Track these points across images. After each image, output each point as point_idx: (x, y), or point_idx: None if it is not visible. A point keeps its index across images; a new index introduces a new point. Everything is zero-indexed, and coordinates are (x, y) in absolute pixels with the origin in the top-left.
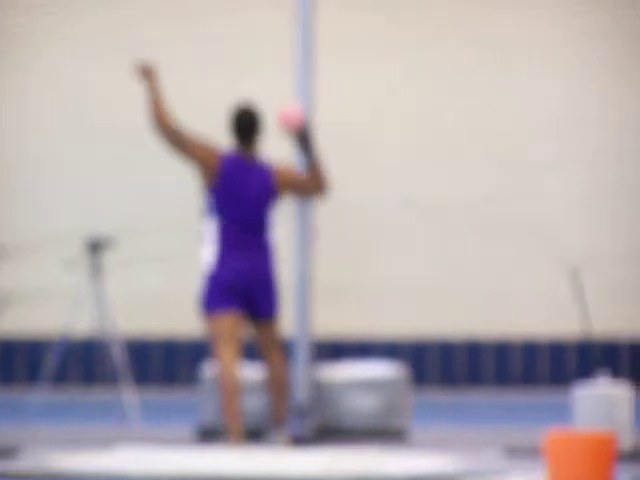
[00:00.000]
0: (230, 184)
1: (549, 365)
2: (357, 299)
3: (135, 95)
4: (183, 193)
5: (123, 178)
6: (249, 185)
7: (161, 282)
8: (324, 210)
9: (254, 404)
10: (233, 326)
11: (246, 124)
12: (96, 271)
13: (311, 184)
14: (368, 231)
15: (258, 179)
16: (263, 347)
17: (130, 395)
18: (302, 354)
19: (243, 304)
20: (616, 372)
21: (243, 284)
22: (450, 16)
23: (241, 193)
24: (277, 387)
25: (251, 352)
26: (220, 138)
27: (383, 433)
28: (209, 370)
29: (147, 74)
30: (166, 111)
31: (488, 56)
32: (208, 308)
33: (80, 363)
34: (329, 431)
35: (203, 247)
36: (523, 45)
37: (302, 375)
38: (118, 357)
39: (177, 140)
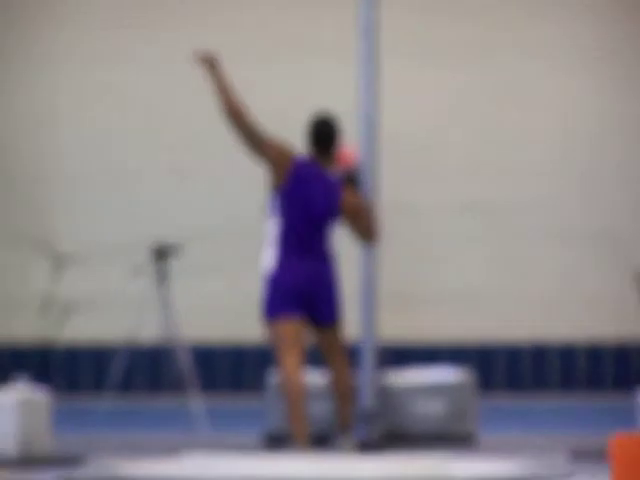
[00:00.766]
0: (299, 188)
1: (614, 369)
2: (423, 304)
3: (201, 102)
4: (248, 200)
5: (188, 186)
6: (318, 193)
7: (227, 288)
8: (389, 215)
9: (319, 410)
10: (296, 332)
11: (324, 135)
12: (162, 278)
13: (362, 224)
14: (433, 236)
15: (327, 190)
16: (326, 353)
17: (197, 402)
18: (368, 360)
19: (305, 310)
20: None
21: (305, 290)
22: (516, 24)
23: (309, 199)
24: (342, 393)
25: (315, 358)
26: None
27: (450, 438)
28: (274, 376)
29: (209, 64)
30: (237, 101)
31: (555, 64)
32: (270, 314)
33: (146, 370)
34: (396, 436)
35: (264, 249)
36: (588, 54)
37: (368, 381)
38: (184, 364)
39: (250, 133)
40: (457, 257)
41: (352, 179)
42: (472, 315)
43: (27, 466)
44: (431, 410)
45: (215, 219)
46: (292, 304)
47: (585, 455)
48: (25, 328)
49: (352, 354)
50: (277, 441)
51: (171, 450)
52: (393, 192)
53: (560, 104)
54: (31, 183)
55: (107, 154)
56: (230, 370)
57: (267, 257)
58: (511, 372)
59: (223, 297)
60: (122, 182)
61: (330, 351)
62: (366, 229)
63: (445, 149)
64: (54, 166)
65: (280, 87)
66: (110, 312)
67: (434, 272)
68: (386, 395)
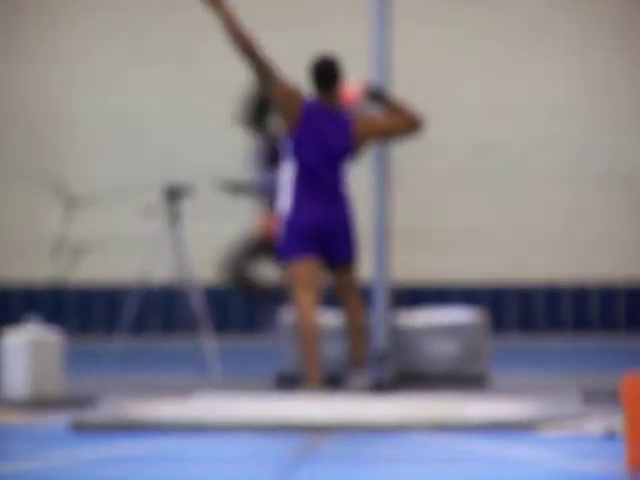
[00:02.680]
0: (311, 131)
1: (627, 309)
2: (435, 245)
3: (214, 45)
4: None
5: (201, 127)
6: (329, 134)
7: (238, 229)
8: (402, 156)
9: (333, 350)
10: (312, 272)
11: (327, 73)
12: (174, 219)
13: (401, 125)
14: (446, 177)
15: (338, 129)
16: (341, 293)
17: (209, 343)
18: (381, 300)
19: (321, 250)
20: None
21: (321, 231)
22: None
23: (321, 139)
24: (355, 332)
25: (329, 298)
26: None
27: (462, 379)
28: (286, 317)
29: (212, 2)
30: (246, 34)
31: (570, 7)
32: (286, 254)
33: (159, 311)
34: (408, 377)
35: (280, 192)
36: (601, 19)
37: (381, 321)
38: (197, 305)
39: (262, 67)
40: (469, 198)
41: (374, 96)
42: (485, 256)
43: (39, 407)
44: (443, 350)
45: (227, 160)
46: (308, 245)
47: (598, 395)
48: (38, 269)
49: (365, 295)
50: (289, 382)
51: (184, 391)
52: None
53: (574, 47)
54: (43, 125)
55: (120, 96)
56: (242, 311)
57: (283, 199)
58: (523, 313)
59: (235, 237)
60: (135, 124)
61: (345, 291)
62: (408, 121)
63: (458, 90)
64: (67, 108)
65: (291, 45)
66: (122, 253)
67: (446, 213)
68: (398, 335)
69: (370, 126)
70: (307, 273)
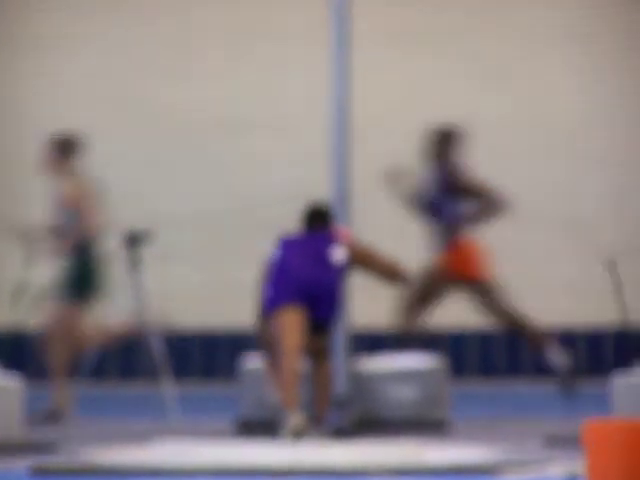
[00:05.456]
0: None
1: (587, 355)
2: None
3: (175, 92)
4: (222, 187)
5: (161, 173)
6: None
7: (199, 275)
8: (362, 200)
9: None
10: (298, 318)
11: (318, 219)
12: (133, 264)
13: (383, 275)
14: (405, 220)
15: (327, 237)
16: (313, 356)
17: (169, 388)
18: (341, 346)
19: (305, 305)
20: None
21: (306, 286)
22: (484, 6)
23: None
24: (321, 395)
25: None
26: (251, 134)
27: (423, 424)
28: (249, 362)
29: None
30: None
31: (523, 48)
32: (273, 304)
33: (118, 357)
34: (369, 423)
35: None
36: (561, 36)
37: (341, 367)
38: (156, 350)
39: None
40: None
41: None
42: (445, 300)
43: None
44: (404, 396)
45: (187, 206)
46: (294, 295)
47: (559, 440)
48: None
49: None
50: (250, 428)
51: (143, 437)
52: (364, 176)
53: (535, 91)
54: (5, 168)
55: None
56: (202, 356)
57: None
58: (484, 357)
59: (195, 284)
60: (95, 169)
61: (318, 356)
62: (388, 279)
63: (416, 135)
64: (30, 152)
65: (252, 72)
66: None
67: (406, 257)
68: (359, 381)
69: (360, 255)
70: (293, 318)
